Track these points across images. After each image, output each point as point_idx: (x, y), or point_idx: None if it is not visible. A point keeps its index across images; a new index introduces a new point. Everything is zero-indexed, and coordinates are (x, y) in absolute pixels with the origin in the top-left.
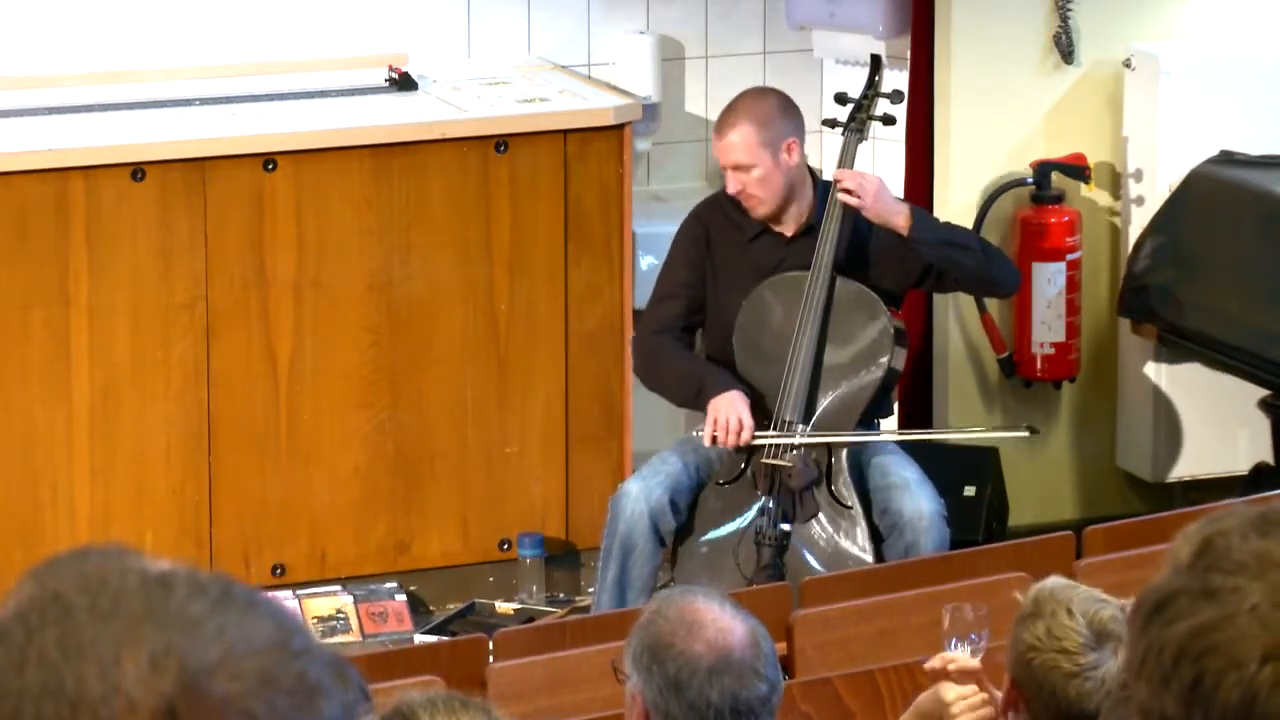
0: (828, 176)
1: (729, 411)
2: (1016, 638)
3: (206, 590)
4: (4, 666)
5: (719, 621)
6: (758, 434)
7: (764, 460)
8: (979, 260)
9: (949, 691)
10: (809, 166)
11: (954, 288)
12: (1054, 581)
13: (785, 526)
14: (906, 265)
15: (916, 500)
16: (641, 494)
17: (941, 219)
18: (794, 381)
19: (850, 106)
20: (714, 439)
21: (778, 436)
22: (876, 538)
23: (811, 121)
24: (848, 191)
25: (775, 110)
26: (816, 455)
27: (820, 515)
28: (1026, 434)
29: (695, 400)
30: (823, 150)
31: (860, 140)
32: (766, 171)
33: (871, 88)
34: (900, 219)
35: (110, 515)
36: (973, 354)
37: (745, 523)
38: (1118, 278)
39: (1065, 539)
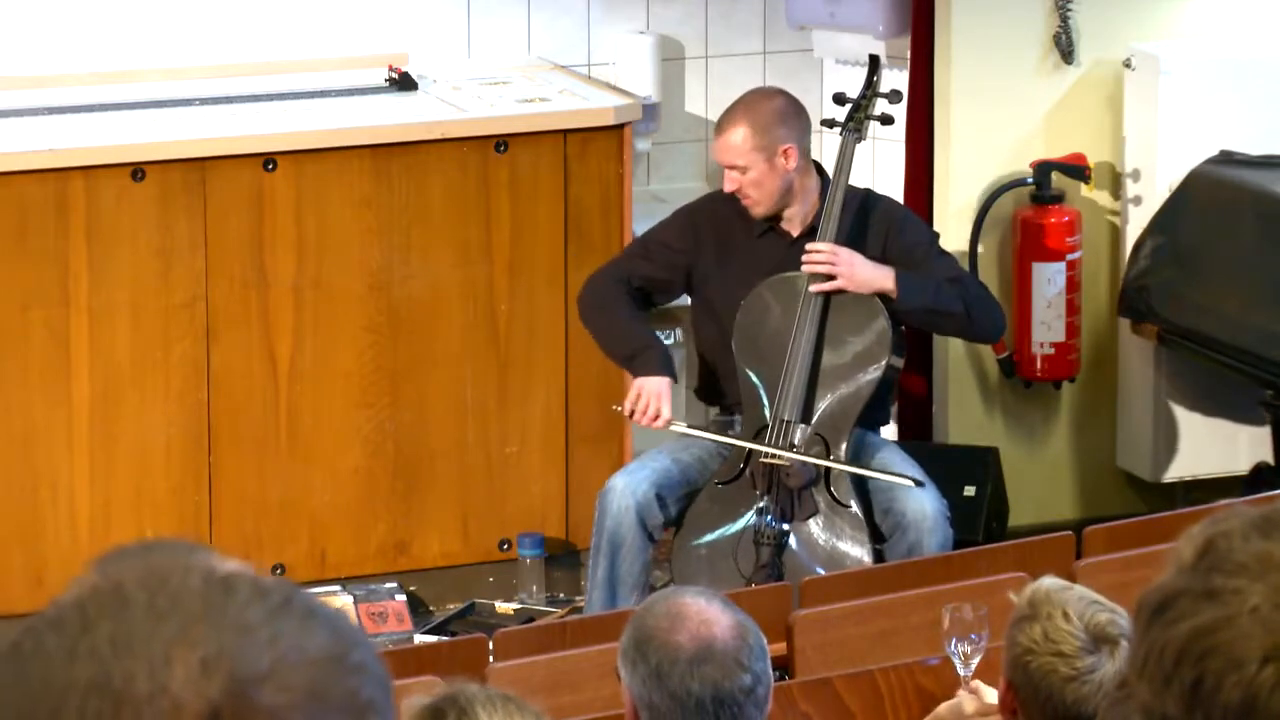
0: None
1: (651, 399)
2: (1012, 640)
3: (268, 596)
4: (55, 655)
5: (703, 614)
6: (768, 448)
7: (763, 459)
8: (960, 323)
9: (970, 704)
10: (818, 165)
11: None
12: (1049, 582)
13: (784, 526)
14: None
15: (920, 500)
16: (627, 489)
17: (938, 222)
18: (792, 381)
19: (849, 107)
20: (631, 414)
21: (730, 439)
22: (876, 538)
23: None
24: (826, 263)
25: (775, 115)
26: (815, 455)
27: (819, 515)
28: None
29: (626, 363)
30: (822, 150)
31: (858, 140)
32: (760, 175)
33: (870, 88)
34: (886, 284)
35: (110, 515)
36: (972, 354)
37: (744, 522)
38: (1118, 278)
39: (1065, 539)
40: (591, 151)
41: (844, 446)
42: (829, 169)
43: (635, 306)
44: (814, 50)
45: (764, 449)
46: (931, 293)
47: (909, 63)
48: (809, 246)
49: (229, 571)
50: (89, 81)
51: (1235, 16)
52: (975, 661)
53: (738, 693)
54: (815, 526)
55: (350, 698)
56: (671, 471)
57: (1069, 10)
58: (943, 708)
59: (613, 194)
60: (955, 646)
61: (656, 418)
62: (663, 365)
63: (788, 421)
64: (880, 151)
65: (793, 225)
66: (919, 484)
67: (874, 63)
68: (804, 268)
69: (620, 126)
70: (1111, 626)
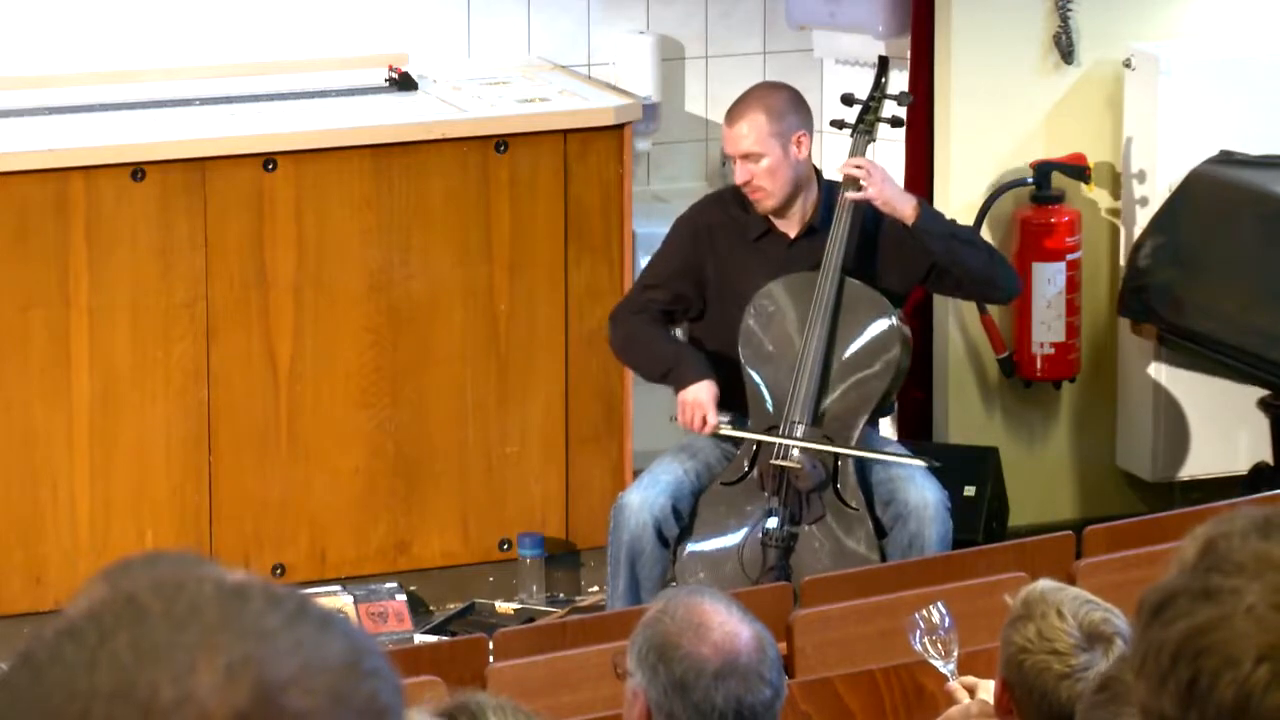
0: (831, 176)
1: (694, 409)
2: (1007, 639)
3: (282, 604)
4: (75, 665)
5: (726, 625)
6: (763, 435)
7: (771, 461)
8: (983, 259)
9: (977, 706)
10: (814, 166)
11: (954, 289)
12: (1044, 584)
13: (792, 528)
14: (914, 262)
15: (922, 490)
16: (644, 505)
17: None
18: (802, 382)
19: (858, 108)
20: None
21: (774, 438)
22: (878, 532)
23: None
24: (855, 180)
25: (787, 103)
26: (823, 457)
27: (826, 517)
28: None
29: (665, 381)
30: (824, 151)
31: (869, 141)
32: (775, 162)
33: (878, 89)
34: (908, 208)
35: (110, 515)
36: (973, 354)
37: (751, 524)
38: (1118, 278)
39: (1065, 539)
40: (591, 151)
41: (852, 445)
42: (834, 171)
43: (659, 326)
44: (814, 50)
45: (805, 444)
46: (953, 225)
47: (909, 63)
48: (848, 161)
49: (239, 581)
50: (89, 81)
51: (1235, 16)
52: (954, 654)
53: (759, 706)
54: (823, 529)
55: (370, 701)
56: (683, 481)
57: (1069, 10)
58: (954, 710)
59: (613, 194)
60: (922, 641)
61: (704, 425)
62: (698, 371)
63: (796, 422)
64: (881, 151)
65: (790, 226)
66: (935, 467)
67: (882, 64)
68: (841, 171)
69: (620, 126)
70: (1106, 625)
